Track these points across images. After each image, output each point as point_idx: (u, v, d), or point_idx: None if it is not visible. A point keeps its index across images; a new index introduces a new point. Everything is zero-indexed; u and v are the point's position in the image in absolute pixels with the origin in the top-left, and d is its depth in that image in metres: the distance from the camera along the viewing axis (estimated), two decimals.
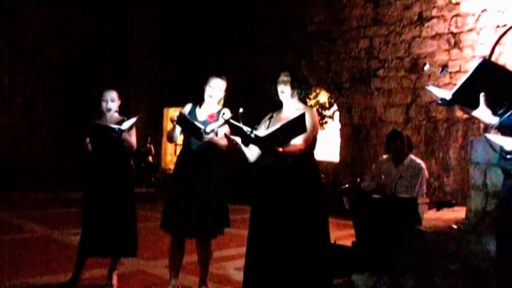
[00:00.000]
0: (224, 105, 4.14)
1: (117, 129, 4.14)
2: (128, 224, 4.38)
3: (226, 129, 3.69)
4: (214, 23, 12.48)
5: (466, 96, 2.18)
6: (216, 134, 3.85)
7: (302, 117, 2.86)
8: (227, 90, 4.14)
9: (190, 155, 4.07)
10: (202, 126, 3.76)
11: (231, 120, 3.10)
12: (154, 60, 13.86)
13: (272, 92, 3.39)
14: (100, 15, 12.83)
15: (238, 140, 3.11)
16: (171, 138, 4.18)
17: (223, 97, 4.16)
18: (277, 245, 3.14)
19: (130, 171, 4.50)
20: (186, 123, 3.88)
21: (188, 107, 4.18)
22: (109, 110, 4.39)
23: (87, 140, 4.34)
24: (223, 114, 3.99)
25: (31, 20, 12.06)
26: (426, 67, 8.79)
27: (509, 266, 2.33)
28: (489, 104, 2.14)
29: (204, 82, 4.10)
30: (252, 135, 2.94)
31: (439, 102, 2.23)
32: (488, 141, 2.26)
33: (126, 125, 4.19)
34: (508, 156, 2.19)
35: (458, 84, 2.16)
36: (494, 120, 2.23)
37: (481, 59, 2.15)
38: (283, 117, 3.29)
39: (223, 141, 3.62)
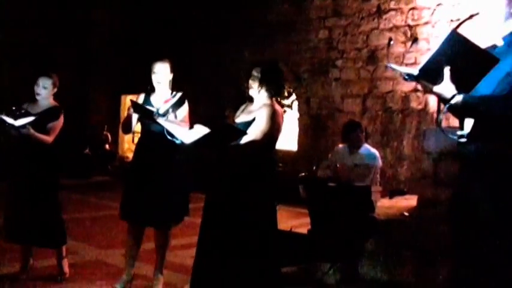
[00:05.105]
0: (182, 88, 4.11)
1: (7, 124, 4.05)
2: (48, 214, 4.27)
3: (185, 111, 3.88)
4: (177, 10, 12.32)
5: (431, 71, 2.17)
6: (175, 117, 3.80)
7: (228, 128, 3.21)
8: (173, 71, 4.09)
9: (150, 143, 4.00)
10: (154, 109, 3.78)
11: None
12: (112, 48, 13.57)
13: (244, 86, 3.47)
14: (58, 3, 12.47)
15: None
16: (127, 128, 4.08)
17: (171, 80, 4.12)
18: (226, 236, 3.21)
19: (54, 160, 4.38)
20: (140, 109, 3.89)
21: (141, 97, 4.13)
22: (38, 94, 4.31)
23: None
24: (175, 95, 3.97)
25: None
26: (391, 42, 8.85)
27: (464, 254, 2.36)
28: (453, 79, 2.14)
29: (150, 70, 4.04)
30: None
31: (405, 77, 2.21)
32: (442, 130, 2.29)
33: (19, 123, 4.06)
34: (461, 140, 2.24)
35: (426, 58, 2.17)
36: (454, 93, 2.17)
37: (450, 31, 2.12)
38: (251, 110, 3.39)
39: (184, 125, 3.57)
